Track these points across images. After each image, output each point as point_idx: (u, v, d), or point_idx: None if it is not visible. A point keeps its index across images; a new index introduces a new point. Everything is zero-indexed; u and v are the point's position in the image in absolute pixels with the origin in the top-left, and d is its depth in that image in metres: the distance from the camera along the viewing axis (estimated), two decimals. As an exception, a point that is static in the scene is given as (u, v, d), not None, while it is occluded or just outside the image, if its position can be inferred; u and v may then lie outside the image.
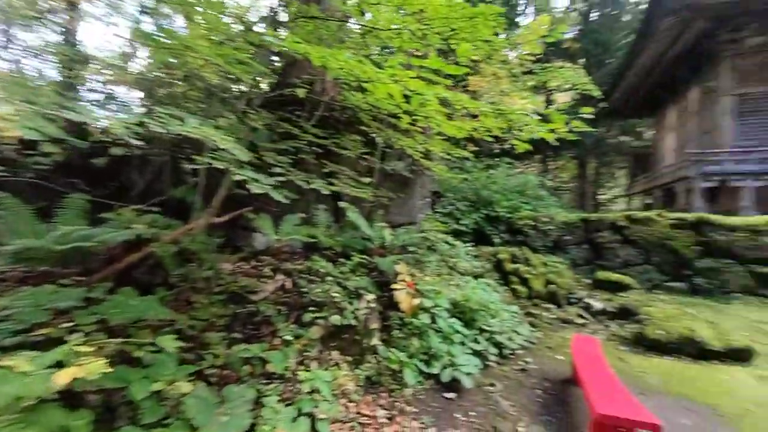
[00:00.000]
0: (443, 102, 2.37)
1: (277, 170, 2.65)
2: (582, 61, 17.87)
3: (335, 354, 2.90)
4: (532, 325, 4.98)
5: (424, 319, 3.22)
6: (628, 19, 18.47)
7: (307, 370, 2.53)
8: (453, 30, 2.93)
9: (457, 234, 6.71)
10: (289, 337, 2.70)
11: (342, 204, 4.19)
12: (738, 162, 8.38)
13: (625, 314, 5.08)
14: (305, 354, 2.72)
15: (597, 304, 5.43)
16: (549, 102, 20.96)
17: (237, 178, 1.89)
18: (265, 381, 2.44)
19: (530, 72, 8.10)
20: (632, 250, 6.11)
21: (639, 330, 4.46)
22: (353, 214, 4.00)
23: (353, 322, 3.01)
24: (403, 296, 3.16)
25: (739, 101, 9.01)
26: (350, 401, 2.59)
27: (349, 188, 3.14)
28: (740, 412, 2.92)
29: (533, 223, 6.67)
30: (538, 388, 3.32)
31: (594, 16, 19.76)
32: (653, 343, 4.21)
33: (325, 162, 3.99)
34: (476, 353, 3.55)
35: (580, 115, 4.32)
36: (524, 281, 5.85)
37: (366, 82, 2.20)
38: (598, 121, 17.78)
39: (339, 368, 2.76)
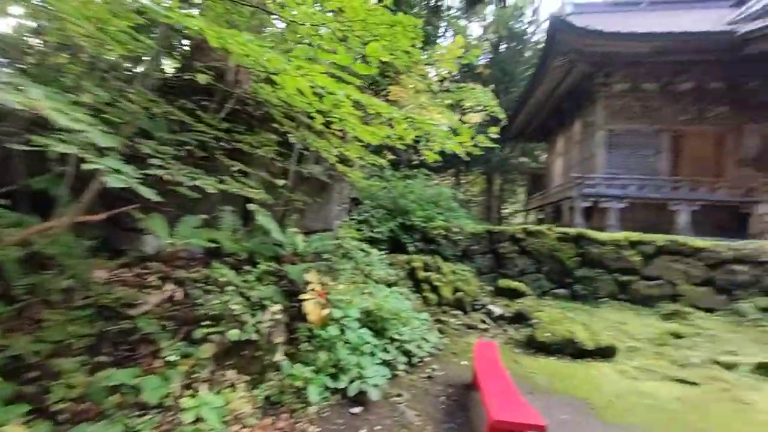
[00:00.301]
0: (357, 105, 2.30)
1: (156, 162, 2.28)
2: (491, 86, 19.77)
3: (231, 373, 2.60)
4: (440, 331, 5.17)
5: (333, 330, 3.09)
6: (529, 55, 20.94)
7: (194, 396, 2.20)
8: (374, 36, 2.90)
9: (373, 241, 6.73)
10: (173, 358, 2.34)
11: (252, 207, 3.86)
12: (607, 186, 9.97)
13: (520, 319, 5.58)
14: (193, 376, 2.38)
15: (497, 310, 5.88)
16: (463, 121, 22.70)
17: (91, 167, 1.55)
18: (138, 413, 2.05)
19: (447, 90, 8.62)
20: (527, 260, 6.78)
21: (531, 333, 4.92)
22: (263, 218, 3.70)
23: (254, 337, 2.74)
24: (311, 307, 2.98)
25: (609, 135, 10.76)
26: (245, 426, 2.33)
27: (246, 190, 2.86)
28: (605, 404, 3.36)
29: (445, 233, 7.02)
30: (443, 395, 3.42)
31: (503, 48, 22.01)
32: (541, 345, 4.68)
33: (234, 160, 3.64)
34: (386, 363, 3.53)
35: (488, 134, 4.68)
36: (435, 289, 6.08)
37: (274, 74, 2.02)
38: (503, 143, 19.73)
39: (234, 390, 2.47)
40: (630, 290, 6.26)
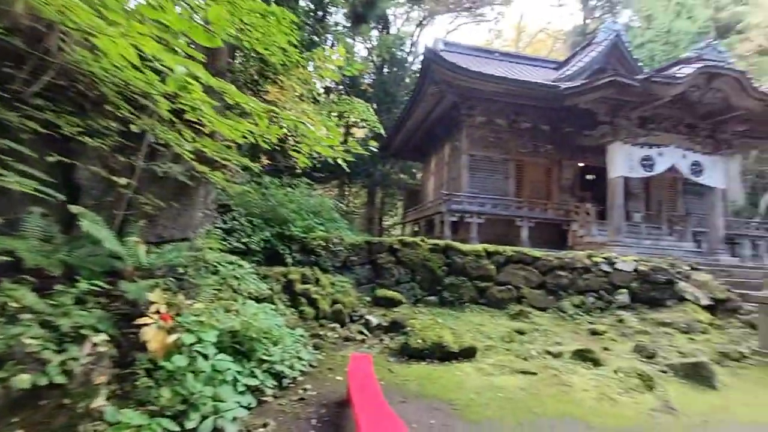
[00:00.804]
0: (209, 90, 1.98)
1: None
2: (375, 106, 20.82)
3: (17, 436, 1.88)
4: (316, 347, 4.93)
5: (181, 360, 2.57)
6: (409, 81, 22.77)
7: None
8: (246, 25, 2.60)
9: (246, 253, 6.13)
10: None
11: (75, 209, 3.02)
12: (470, 204, 11.34)
13: (395, 327, 5.73)
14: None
15: (375, 320, 5.94)
16: (348, 134, 23.20)
17: None
18: None
19: (334, 102, 8.63)
20: (403, 269, 7.10)
21: (404, 341, 5.08)
22: (90, 224, 2.92)
23: (61, 380, 2.06)
24: (153, 333, 2.42)
25: (471, 159, 12.34)
26: None
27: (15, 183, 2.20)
28: (467, 403, 3.63)
29: (325, 244, 6.85)
30: (315, 417, 3.18)
31: (386, 71, 23.46)
32: (414, 352, 4.87)
33: (53, 148, 2.81)
34: (251, 390, 3.12)
35: (368, 146, 4.75)
36: (313, 302, 5.82)
37: (91, 34, 1.57)
38: (384, 159, 20.83)
39: (19, 459, 1.79)
40: (487, 295, 7.10)
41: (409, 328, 5.27)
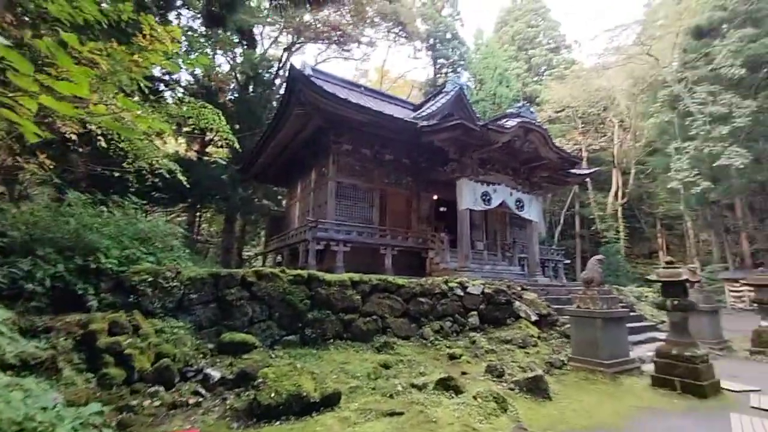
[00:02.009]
0: None
1: None
2: (237, 126, 19.13)
3: None
4: (122, 425, 3.54)
5: None
6: (276, 105, 21.90)
7: None
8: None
9: (14, 298, 4.24)
10: None
11: None
12: (336, 231, 11.02)
13: (244, 380, 4.68)
14: None
15: (216, 374, 4.76)
16: (205, 145, 20.54)
17: None
18: None
19: (180, 102, 7.21)
20: (259, 306, 6.10)
21: (254, 396, 4.13)
22: None
23: None
24: None
25: (338, 187, 12.19)
26: None
27: None
28: (329, 471, 2.97)
29: (153, 279, 5.33)
30: None
31: (251, 91, 22.08)
32: (266, 410, 3.96)
33: None
34: None
35: (218, 160, 3.83)
36: (125, 360, 4.30)
37: None
38: (245, 183, 19.06)
39: None
40: (352, 328, 6.67)
41: (260, 380, 4.33)
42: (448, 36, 34.44)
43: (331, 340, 6.41)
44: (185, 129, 19.72)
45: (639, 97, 30.09)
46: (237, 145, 7.61)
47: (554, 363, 6.36)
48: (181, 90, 18.38)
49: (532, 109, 13.86)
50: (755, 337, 8.21)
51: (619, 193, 30.53)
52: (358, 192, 12.66)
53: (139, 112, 4.01)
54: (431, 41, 33.87)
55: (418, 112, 15.87)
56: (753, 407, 4.81)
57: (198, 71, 18.90)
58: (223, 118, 6.12)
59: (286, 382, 4.27)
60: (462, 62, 34.14)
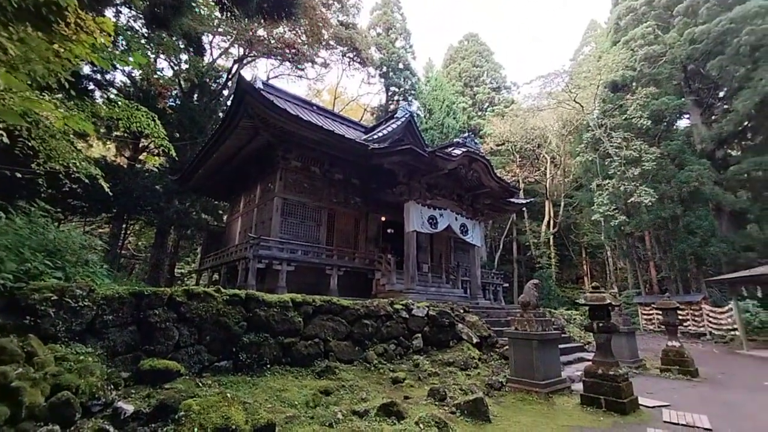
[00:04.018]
0: None
1: None
2: (177, 134, 17.95)
3: None
4: (-3, 478, 2.89)
5: None
6: (222, 116, 21.03)
7: None
8: None
9: None
10: None
11: None
12: (280, 250, 10.55)
13: (163, 414, 4.12)
14: None
15: (128, 408, 4.14)
16: (138, 151, 18.88)
17: None
18: None
19: (110, 101, 6.58)
20: (187, 329, 5.52)
21: (174, 433, 3.64)
22: None
23: None
24: None
25: (284, 204, 11.80)
26: None
27: None
28: None
29: (58, 298, 4.61)
30: None
31: (196, 99, 21.02)
32: (187, 448, 3.51)
33: None
34: None
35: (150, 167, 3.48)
36: (12, 394, 3.59)
37: None
38: (182, 194, 17.77)
39: None
40: (292, 352, 6.28)
41: (182, 413, 3.85)
42: (401, 66, 36.01)
43: (269, 366, 5.96)
44: (116, 133, 18.16)
45: (567, 137, 33.51)
46: (174, 154, 7.07)
47: (494, 385, 6.48)
48: (115, 91, 16.96)
49: (476, 140, 14.74)
50: (664, 356, 9.12)
51: (551, 223, 33.21)
52: (305, 210, 12.34)
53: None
54: (384, 69, 35.12)
55: (370, 134, 16.12)
56: (665, 422, 5.25)
57: (136, 73, 17.64)
58: (159, 123, 5.65)
59: (213, 414, 3.85)
60: (413, 92, 35.72)
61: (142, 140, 18.28)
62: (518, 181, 33.20)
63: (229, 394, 4.29)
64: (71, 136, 6.13)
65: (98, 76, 15.75)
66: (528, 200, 20.73)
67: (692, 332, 18.31)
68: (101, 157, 16.64)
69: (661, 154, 23.35)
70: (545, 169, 35.14)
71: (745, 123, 22.14)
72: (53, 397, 3.82)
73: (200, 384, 5.10)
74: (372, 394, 5.56)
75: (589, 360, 7.10)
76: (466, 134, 14.40)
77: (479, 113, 39.19)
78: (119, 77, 18.05)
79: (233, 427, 3.76)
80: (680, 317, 18.16)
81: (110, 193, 6.63)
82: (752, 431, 4.98)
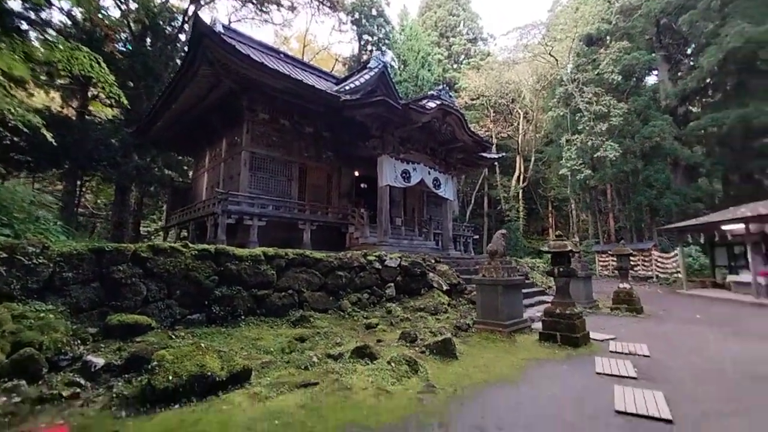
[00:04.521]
0: None
1: None
2: (132, 83, 16.46)
3: None
4: (-38, 431, 2.86)
5: None
6: (179, 62, 19.33)
7: None
8: None
9: None
10: None
11: None
12: (250, 205, 10.30)
13: (136, 364, 4.15)
14: None
15: (99, 360, 4.13)
16: (87, 101, 17.31)
17: None
18: None
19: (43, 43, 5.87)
20: (156, 285, 5.42)
21: (148, 381, 3.68)
22: None
23: None
24: None
25: (252, 158, 11.34)
26: None
27: None
28: (234, 448, 2.78)
29: (8, 256, 4.35)
30: None
31: (149, 43, 19.13)
32: (162, 394, 3.55)
33: None
34: None
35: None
36: (-32, 352, 3.47)
37: None
38: (142, 149, 16.70)
39: None
40: (266, 303, 6.36)
41: (156, 363, 3.86)
42: (374, 12, 33.83)
43: (243, 317, 6.04)
44: (60, 81, 16.40)
45: (541, 93, 33.49)
46: (127, 103, 6.52)
47: (461, 327, 6.89)
48: (53, 33, 15.09)
49: (451, 94, 14.44)
50: (615, 297, 9.96)
51: (521, 178, 34.06)
52: (275, 164, 11.94)
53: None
54: (357, 15, 32.94)
55: (342, 85, 15.40)
56: (611, 351, 5.84)
57: (77, 12, 15.66)
58: (104, 66, 5.11)
59: (188, 362, 3.89)
60: (387, 41, 33.97)
61: (91, 89, 16.69)
62: (491, 136, 33.33)
63: (203, 344, 4.33)
64: (2, 78, 5.48)
65: (32, 15, 13.86)
66: (500, 155, 20.97)
67: (641, 276, 19.99)
68: (44, 107, 15.11)
69: (629, 109, 23.90)
70: (518, 124, 35.34)
71: (708, 80, 22.78)
72: (15, 354, 3.74)
73: (173, 336, 5.13)
74: (346, 339, 5.79)
75: (549, 302, 7.65)
76: (441, 87, 14.04)
77: (455, 66, 38.13)
78: (57, 16, 16.03)
79: (209, 373, 3.84)
80: (632, 263, 19.72)
81: (57, 146, 6.10)
82: (680, 353, 5.64)
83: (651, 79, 28.61)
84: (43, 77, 14.81)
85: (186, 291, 5.66)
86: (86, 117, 16.54)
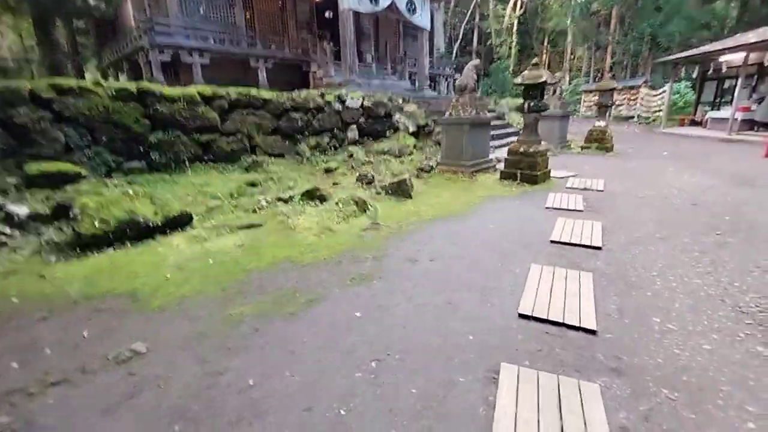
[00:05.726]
0: None
1: None
2: None
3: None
4: None
5: None
6: None
7: None
8: None
9: None
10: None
11: None
12: (185, 36, 8.63)
13: (63, 213, 3.92)
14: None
15: (22, 210, 3.87)
16: None
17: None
18: None
19: None
20: (73, 130, 4.77)
21: (75, 227, 3.51)
22: None
23: None
24: None
25: (179, -29, 8.93)
26: None
27: None
28: (158, 286, 2.77)
29: None
30: None
31: None
32: (91, 239, 3.43)
33: None
34: None
35: None
36: None
37: None
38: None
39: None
40: (213, 149, 5.91)
41: (78, 211, 3.62)
42: None
43: (188, 164, 5.66)
44: None
45: None
46: None
47: (424, 168, 6.74)
48: None
49: None
50: (588, 135, 9.75)
51: (518, 4, 29.46)
52: (210, -19, 9.55)
53: None
54: None
55: None
56: (567, 188, 5.88)
57: None
58: None
59: (114, 209, 3.65)
60: None
61: None
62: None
63: (131, 191, 4.03)
64: None
65: None
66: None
67: (623, 116, 19.61)
68: None
69: None
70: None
71: None
72: None
73: (108, 185, 4.80)
74: (300, 183, 5.61)
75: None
76: None
77: None
78: None
79: (140, 219, 3.66)
80: (617, 102, 19.03)
81: None
82: (634, 187, 5.73)
83: None
84: None
85: (114, 137, 5.07)
86: None
